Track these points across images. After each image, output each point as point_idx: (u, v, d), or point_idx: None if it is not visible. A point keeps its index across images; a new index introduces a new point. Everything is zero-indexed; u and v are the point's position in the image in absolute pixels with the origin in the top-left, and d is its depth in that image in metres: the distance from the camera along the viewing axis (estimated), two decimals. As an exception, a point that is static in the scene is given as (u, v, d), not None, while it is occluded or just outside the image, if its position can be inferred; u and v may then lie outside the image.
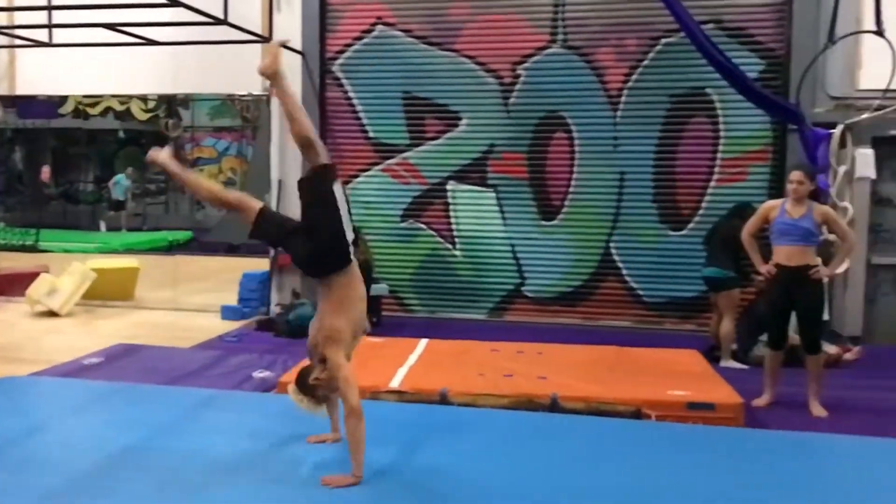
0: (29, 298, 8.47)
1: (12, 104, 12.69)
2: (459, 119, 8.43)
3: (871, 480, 3.67)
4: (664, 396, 4.77)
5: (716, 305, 6.69)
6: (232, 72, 8.52)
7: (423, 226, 8.55)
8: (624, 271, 8.10)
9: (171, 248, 13.41)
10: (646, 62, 8.02)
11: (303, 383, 3.41)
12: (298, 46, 8.33)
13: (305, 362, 3.81)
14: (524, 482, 3.42)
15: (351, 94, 8.64)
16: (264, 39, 7.85)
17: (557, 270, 8.29)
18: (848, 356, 6.54)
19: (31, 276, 8.82)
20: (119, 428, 3.99)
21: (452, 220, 8.51)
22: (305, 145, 3.30)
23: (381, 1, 8.46)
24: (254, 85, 8.71)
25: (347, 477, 3.25)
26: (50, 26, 7.54)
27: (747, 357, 6.42)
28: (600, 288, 8.13)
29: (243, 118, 15.17)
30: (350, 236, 3.35)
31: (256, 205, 3.45)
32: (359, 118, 8.64)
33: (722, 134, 7.90)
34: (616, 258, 8.13)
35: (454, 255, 8.51)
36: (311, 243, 3.30)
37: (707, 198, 7.92)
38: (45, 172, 16.18)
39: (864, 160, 7.23)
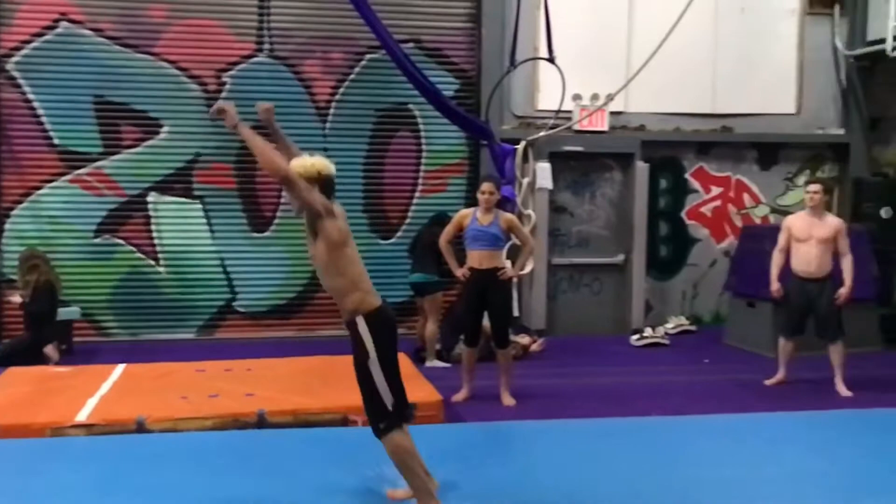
0: None
1: None
2: (160, 126, 7.93)
3: (549, 458, 4.12)
4: (370, 401, 4.89)
5: (422, 309, 7.04)
6: None
7: (121, 241, 7.90)
8: (338, 280, 8.20)
9: None
10: (352, 76, 8.22)
11: None
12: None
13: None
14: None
15: (31, 96, 7.71)
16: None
17: (270, 283, 8.16)
18: (534, 347, 7.28)
19: None
20: None
21: (155, 234, 7.97)
22: None
23: (65, -5, 7.68)
24: None
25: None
26: None
27: (450, 356, 6.84)
28: (315, 298, 8.13)
29: None
30: None
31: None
32: (41, 123, 7.74)
33: (424, 147, 8.37)
34: (329, 268, 8.20)
35: (157, 272, 7.98)
36: None
37: (413, 207, 8.33)
38: None
39: (543, 173, 8.11)
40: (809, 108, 8.89)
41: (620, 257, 8.48)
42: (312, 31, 8.12)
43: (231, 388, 5.20)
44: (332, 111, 8.20)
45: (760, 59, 8.78)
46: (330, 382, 5.37)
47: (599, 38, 8.41)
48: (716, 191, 8.91)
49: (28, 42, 7.66)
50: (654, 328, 7.96)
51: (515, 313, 7.97)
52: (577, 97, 8.28)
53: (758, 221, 8.89)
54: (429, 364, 6.76)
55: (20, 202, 7.72)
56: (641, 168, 8.40)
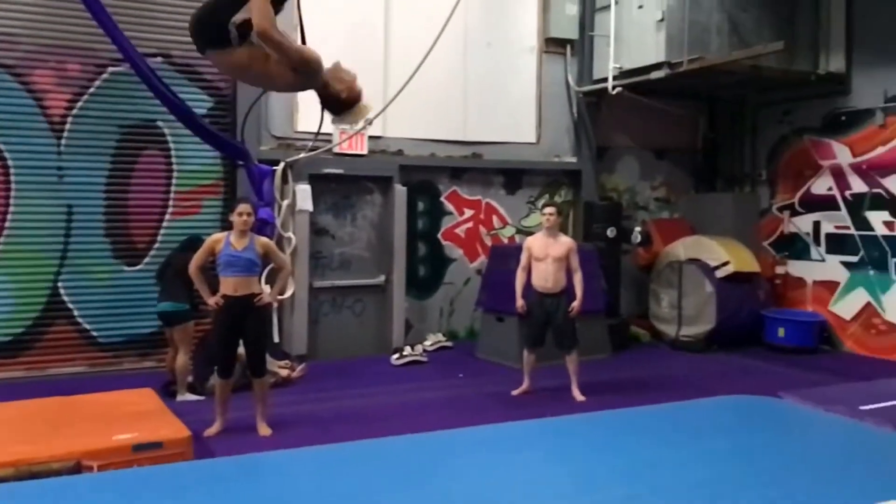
0: None
1: None
2: None
3: (300, 487, 4.04)
4: (108, 443, 4.51)
5: (171, 340, 6.63)
6: None
7: None
8: (76, 312, 7.46)
9: None
10: (92, 90, 7.58)
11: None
12: None
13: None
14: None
15: None
16: None
17: (-8, 317, 7.24)
18: (295, 374, 7.17)
19: None
20: None
21: None
22: None
23: None
24: None
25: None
26: None
27: (204, 388, 6.52)
28: (48, 333, 7.34)
29: None
30: None
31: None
32: None
33: (175, 167, 7.92)
34: (66, 298, 7.44)
35: None
36: None
37: (162, 231, 7.84)
38: None
39: (303, 195, 8.05)
40: (547, 138, 9.74)
41: (381, 278, 8.65)
42: (43, 38, 7.37)
43: (-63, 443, 4.51)
44: (68, 126, 7.49)
45: (505, 92, 9.47)
46: (60, 427, 4.86)
47: (357, 64, 8.39)
48: (468, 213, 9.43)
49: None
50: (413, 346, 8.22)
51: (276, 339, 7.82)
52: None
53: (506, 241, 9.54)
54: (180, 398, 6.38)
55: None
56: (400, 191, 8.65)
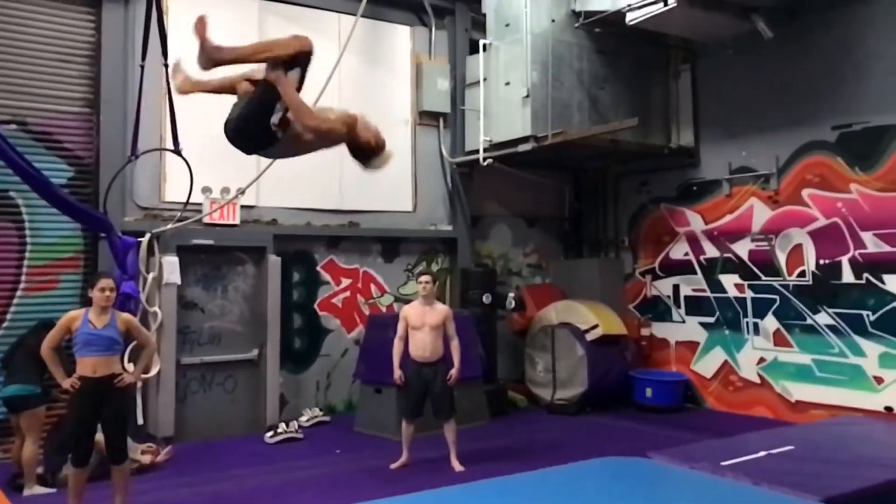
0: None
1: None
2: None
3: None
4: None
5: (18, 428, 6.09)
6: None
7: None
8: None
9: None
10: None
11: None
12: None
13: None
14: None
15: None
16: None
17: None
18: (160, 458, 6.74)
19: None
20: None
21: None
22: None
23: None
24: None
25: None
26: None
27: (56, 479, 6.00)
28: None
29: None
30: None
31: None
32: None
33: (29, 240, 7.43)
34: None
35: None
36: None
37: (13, 309, 7.27)
38: None
39: (171, 267, 7.72)
40: (424, 207, 9.90)
41: (254, 352, 8.36)
42: None
43: None
44: None
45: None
46: None
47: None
48: (346, 282, 9.36)
49: None
50: (288, 423, 7.93)
51: (140, 421, 7.36)
52: (206, 190, 8.15)
53: (384, 309, 9.51)
54: (28, 492, 5.85)
55: None
56: (274, 261, 8.48)
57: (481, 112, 9.49)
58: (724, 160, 9.54)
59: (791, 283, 8.76)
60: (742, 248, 9.27)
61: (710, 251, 9.65)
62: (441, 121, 10.06)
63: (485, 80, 9.54)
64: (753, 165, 9.20)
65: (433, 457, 6.72)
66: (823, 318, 8.44)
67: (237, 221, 8.43)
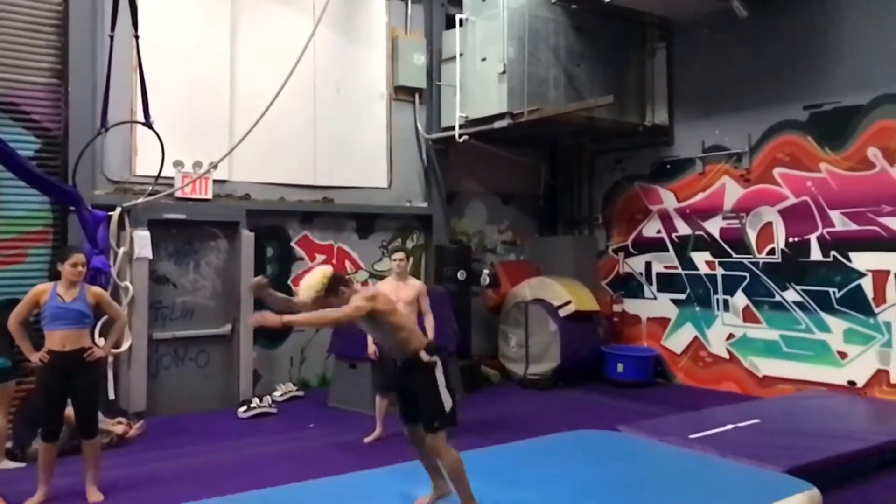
0: None
1: None
2: None
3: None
4: None
5: (-10, 401, 6.03)
6: None
7: None
8: None
9: None
10: None
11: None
12: None
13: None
14: None
15: None
16: None
17: None
18: (132, 433, 6.71)
19: None
20: None
21: None
22: None
23: None
24: None
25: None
26: None
27: (25, 454, 5.95)
28: None
29: None
30: None
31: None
32: None
33: (-4, 214, 7.31)
34: None
35: None
36: None
37: (-19, 282, 7.17)
38: None
39: (142, 241, 7.62)
40: (399, 183, 9.87)
41: (227, 327, 8.32)
42: None
43: None
44: None
45: (356, 137, 9.53)
46: None
47: (201, 105, 8.33)
48: (320, 258, 9.31)
49: None
50: (261, 398, 7.93)
51: (111, 396, 7.32)
52: (178, 164, 8.04)
53: (359, 286, 9.48)
54: (-2, 466, 5.80)
55: None
56: (247, 236, 8.42)
57: (457, 88, 9.45)
58: (697, 139, 9.62)
59: (761, 261, 8.89)
60: (714, 226, 9.39)
61: (683, 229, 9.76)
62: (417, 96, 10.00)
63: (461, 55, 9.49)
64: (726, 144, 9.29)
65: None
66: (791, 295, 8.59)
67: (210, 196, 8.33)
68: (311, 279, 4.26)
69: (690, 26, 9.45)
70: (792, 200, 8.62)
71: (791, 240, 8.61)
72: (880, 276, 7.86)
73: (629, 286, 10.43)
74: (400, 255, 6.88)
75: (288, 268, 9.09)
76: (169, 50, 8.04)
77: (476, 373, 9.31)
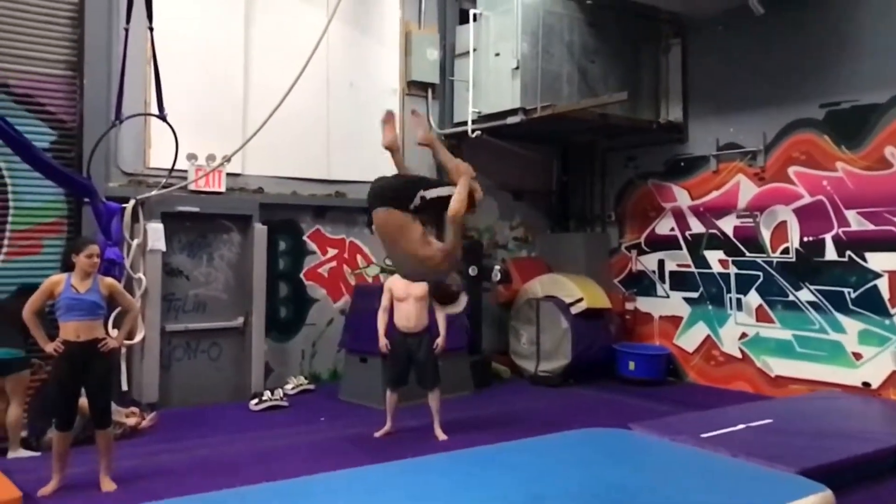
0: None
1: None
2: None
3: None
4: (-79, 512, 4.05)
5: (2, 391, 6.06)
6: None
7: None
8: None
9: None
10: (-87, 118, 6.91)
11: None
12: None
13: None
14: None
15: None
16: None
17: None
18: (144, 423, 6.75)
19: None
20: None
21: None
22: None
23: None
24: None
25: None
26: None
27: (40, 443, 6.00)
28: None
29: None
30: None
31: None
32: None
33: (11, 204, 7.33)
34: None
35: None
36: None
37: (-5, 273, 7.23)
38: None
39: (155, 234, 7.67)
40: (411, 178, 9.83)
41: (240, 320, 8.36)
42: None
43: None
44: None
45: (368, 131, 9.42)
46: None
47: (215, 99, 8.35)
48: (332, 252, 9.34)
49: None
50: (272, 391, 7.96)
51: (124, 387, 7.36)
52: (192, 156, 8.07)
53: (370, 280, 9.51)
54: (12, 455, 5.84)
55: None
56: (260, 230, 8.44)
57: (470, 83, 9.43)
58: (711, 136, 9.56)
59: (775, 260, 8.83)
60: (727, 225, 9.33)
61: (696, 227, 9.71)
62: (430, 91, 9.99)
63: (475, 50, 9.46)
64: (741, 142, 9.22)
65: (417, 426, 6.77)
66: (805, 295, 8.53)
67: (223, 189, 8.36)
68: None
69: (705, 23, 9.39)
70: (807, 199, 8.55)
71: (806, 239, 8.54)
72: (896, 277, 7.81)
73: (642, 284, 10.39)
74: None
75: (300, 261, 9.11)
76: (183, 43, 8.06)
77: (486, 369, 9.30)
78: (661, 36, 10.20)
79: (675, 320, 9.92)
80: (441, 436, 6.58)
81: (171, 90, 7.34)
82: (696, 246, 9.68)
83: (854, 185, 8.15)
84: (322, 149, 9.12)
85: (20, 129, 6.60)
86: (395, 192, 4.22)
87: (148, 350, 7.56)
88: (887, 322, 7.84)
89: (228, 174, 8.38)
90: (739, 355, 9.16)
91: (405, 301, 6.67)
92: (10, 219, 7.31)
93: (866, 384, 7.95)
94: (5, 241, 7.29)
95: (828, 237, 8.34)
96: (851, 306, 8.12)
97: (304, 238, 9.16)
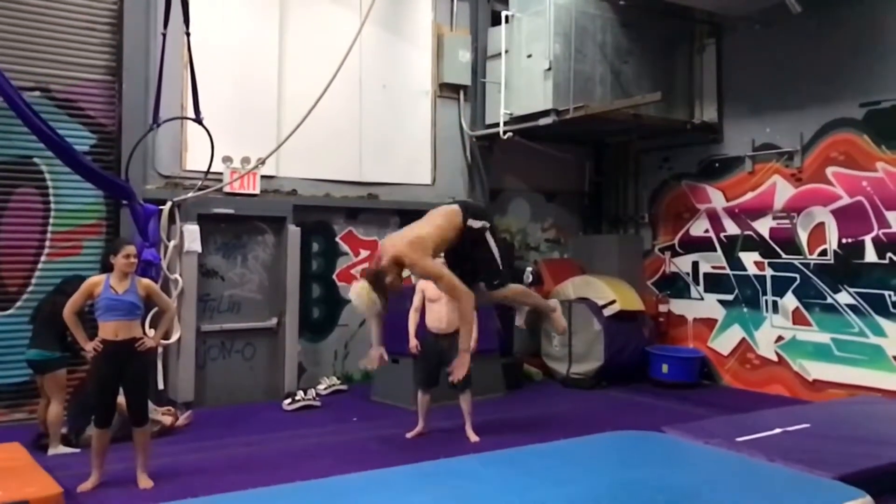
0: None
1: None
2: None
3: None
4: (-32, 505, 4.16)
5: (43, 389, 6.22)
6: None
7: None
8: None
9: None
10: (-41, 123, 7.13)
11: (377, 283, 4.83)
12: None
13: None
14: None
15: None
16: None
17: None
18: (180, 422, 6.86)
19: None
20: None
21: None
22: None
23: None
24: None
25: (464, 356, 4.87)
26: None
27: (79, 440, 6.13)
28: None
29: None
30: None
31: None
32: None
33: (53, 206, 7.53)
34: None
35: None
36: None
37: (38, 274, 7.38)
38: None
39: (191, 235, 7.79)
40: (442, 180, 9.87)
41: (273, 321, 8.44)
42: None
43: None
44: (-70, 161, 7.01)
45: (401, 134, 9.58)
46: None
47: (250, 102, 8.47)
48: (364, 253, 9.39)
49: None
50: (305, 391, 8.03)
51: (160, 386, 7.49)
52: (227, 159, 8.18)
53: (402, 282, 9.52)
54: (52, 452, 5.97)
55: None
56: (294, 231, 8.53)
57: (502, 85, 9.43)
58: (747, 137, 9.42)
59: (812, 262, 8.68)
60: (763, 226, 9.19)
61: (731, 228, 9.57)
62: (462, 93, 10.00)
63: (506, 52, 9.46)
64: (777, 142, 9.08)
65: (448, 427, 6.78)
66: (844, 298, 8.36)
67: (257, 191, 8.46)
68: (359, 300, 5.13)
69: (741, 22, 9.26)
70: (846, 200, 8.39)
71: (844, 241, 8.38)
72: (939, 280, 7.62)
73: (675, 286, 10.28)
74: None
75: (333, 263, 9.18)
76: (219, 47, 8.18)
77: (518, 371, 9.28)
78: (696, 36, 10.09)
79: (709, 323, 9.80)
80: (473, 437, 6.58)
81: (207, 94, 7.46)
82: (731, 247, 9.55)
83: (895, 186, 7.97)
84: (355, 151, 9.18)
85: (61, 132, 6.79)
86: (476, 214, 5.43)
87: (184, 350, 7.68)
88: (930, 326, 7.66)
89: (263, 176, 8.48)
90: (775, 358, 9.01)
91: (437, 302, 6.68)
92: (51, 221, 7.51)
93: (908, 389, 7.77)
94: (47, 243, 7.47)
95: (867, 239, 8.17)
96: (892, 309, 7.94)
97: (337, 239, 9.23)
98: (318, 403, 7.93)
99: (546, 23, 8.91)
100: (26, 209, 7.40)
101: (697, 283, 9.99)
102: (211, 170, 7.69)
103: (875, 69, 8.15)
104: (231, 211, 8.21)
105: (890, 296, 7.96)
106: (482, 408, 7.14)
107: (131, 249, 5.39)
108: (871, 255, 8.14)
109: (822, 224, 8.59)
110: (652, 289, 10.50)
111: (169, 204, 7.72)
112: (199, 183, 7.82)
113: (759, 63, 9.29)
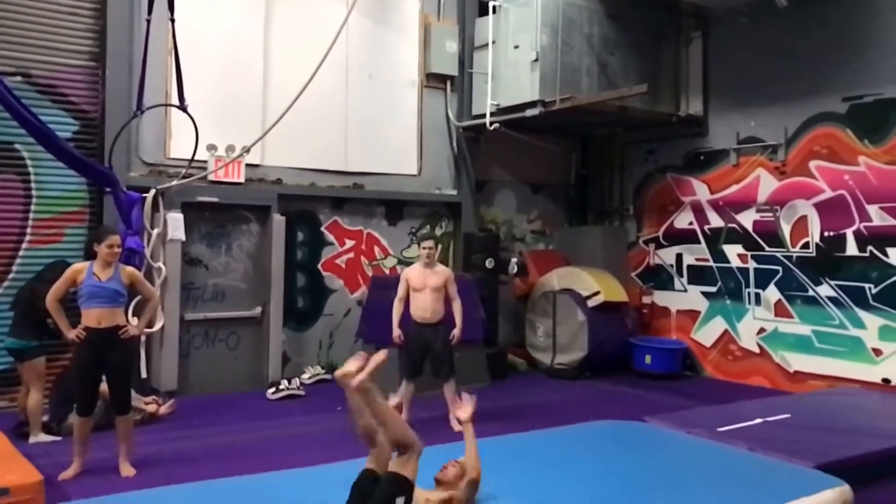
0: None
1: None
2: None
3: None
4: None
5: (23, 377, 6.17)
6: None
7: None
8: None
9: None
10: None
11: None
12: None
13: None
14: None
15: None
16: None
17: None
18: (163, 410, 6.83)
19: None
20: None
21: None
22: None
23: None
24: None
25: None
26: None
27: (61, 427, 6.09)
28: None
29: None
30: None
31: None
32: None
33: (34, 193, 7.45)
34: None
35: None
36: None
37: (19, 260, 7.32)
38: None
39: (175, 223, 7.74)
40: (428, 171, 9.87)
41: (257, 310, 8.42)
42: None
43: None
44: (-88, 147, 6.92)
45: (387, 124, 9.54)
46: None
47: (235, 90, 8.40)
48: (349, 243, 9.38)
49: None
50: (290, 380, 8.01)
51: (143, 374, 7.45)
52: (211, 147, 8.13)
53: (387, 272, 9.54)
54: (33, 440, 5.93)
55: None
56: (278, 220, 8.49)
57: (489, 75, 9.42)
58: (732, 130, 9.48)
59: (794, 255, 8.76)
60: (747, 219, 9.25)
61: (715, 221, 9.63)
62: (448, 83, 9.98)
63: (493, 42, 9.45)
64: (761, 136, 9.14)
65: (433, 416, 6.79)
66: (825, 290, 8.45)
67: (242, 180, 8.41)
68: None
69: (727, 15, 9.30)
70: (828, 194, 8.46)
71: (826, 234, 8.46)
72: (918, 273, 7.71)
73: (659, 278, 10.34)
74: (429, 243, 6.88)
75: (318, 252, 9.16)
76: (204, 34, 8.11)
77: (502, 361, 9.31)
78: (682, 28, 10.12)
79: (692, 314, 9.87)
80: (457, 426, 6.59)
81: (192, 81, 7.40)
82: (715, 240, 9.61)
83: (876, 180, 8.05)
84: (340, 140, 9.15)
85: (43, 119, 6.70)
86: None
87: (167, 338, 7.65)
88: (909, 318, 7.76)
89: (248, 165, 8.43)
90: (757, 350, 9.10)
91: (421, 291, 6.69)
92: (32, 208, 7.43)
93: (886, 381, 7.86)
94: (28, 230, 7.40)
95: (849, 232, 8.25)
96: (872, 302, 8.04)
97: (322, 229, 9.20)
98: (302, 393, 7.93)
99: (533, 14, 8.90)
100: (7, 196, 7.32)
101: (681, 275, 10.06)
102: (195, 158, 7.65)
103: (858, 64, 8.21)
104: (215, 199, 8.16)
105: (870, 288, 8.05)
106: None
107: (115, 239, 5.35)
108: (852, 249, 8.23)
109: (804, 217, 8.67)
110: (636, 280, 10.55)
111: (153, 192, 7.66)
112: (184, 171, 7.76)
113: (744, 57, 9.34)
